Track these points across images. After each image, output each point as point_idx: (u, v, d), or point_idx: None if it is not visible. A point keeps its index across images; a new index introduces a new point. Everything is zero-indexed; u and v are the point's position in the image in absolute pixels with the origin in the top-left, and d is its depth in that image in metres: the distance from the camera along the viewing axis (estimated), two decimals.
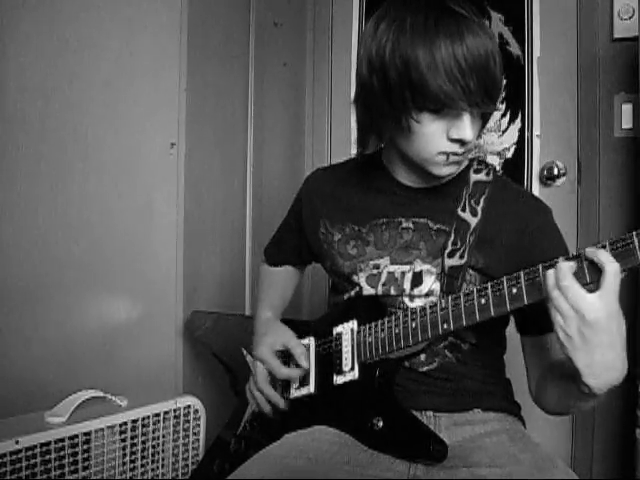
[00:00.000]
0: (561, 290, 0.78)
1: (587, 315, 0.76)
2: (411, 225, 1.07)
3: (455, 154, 0.96)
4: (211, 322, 1.39)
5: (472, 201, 1.05)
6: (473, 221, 1.03)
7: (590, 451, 1.84)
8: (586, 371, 0.79)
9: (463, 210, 1.05)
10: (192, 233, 1.53)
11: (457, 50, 0.88)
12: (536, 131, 1.93)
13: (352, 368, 1.04)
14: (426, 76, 0.88)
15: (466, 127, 0.93)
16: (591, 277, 0.79)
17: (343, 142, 2.19)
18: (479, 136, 1.02)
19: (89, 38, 1.52)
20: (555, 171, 1.89)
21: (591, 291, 0.77)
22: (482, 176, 1.08)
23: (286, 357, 1.14)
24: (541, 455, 0.95)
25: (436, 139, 0.95)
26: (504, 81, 0.95)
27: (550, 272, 0.79)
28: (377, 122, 1.00)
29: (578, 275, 0.79)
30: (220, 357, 1.33)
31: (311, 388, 1.10)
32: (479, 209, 1.04)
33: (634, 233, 0.76)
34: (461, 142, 0.94)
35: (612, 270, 0.76)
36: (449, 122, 0.93)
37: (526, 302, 0.85)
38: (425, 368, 1.06)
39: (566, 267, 0.78)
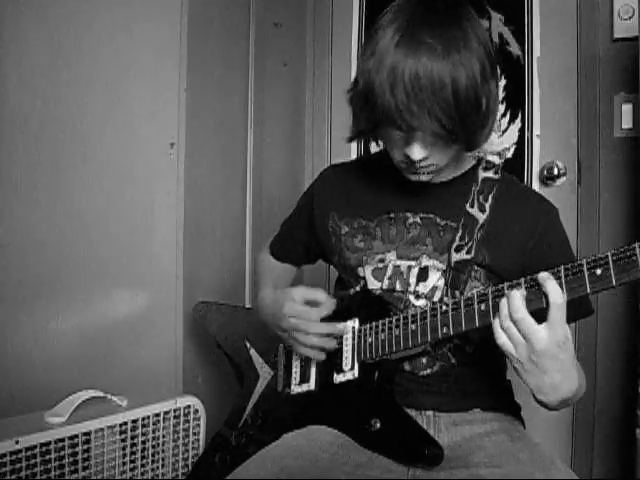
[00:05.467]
0: (514, 322, 0.81)
1: (536, 345, 0.80)
2: (418, 220, 1.08)
3: (414, 167, 0.98)
4: (217, 314, 1.39)
5: (480, 197, 1.06)
6: (481, 217, 1.04)
7: (590, 451, 1.84)
8: (536, 390, 0.85)
9: (471, 206, 1.06)
10: (192, 233, 1.53)
11: (404, 70, 0.88)
12: (536, 131, 1.93)
13: (352, 367, 1.04)
14: (373, 90, 0.91)
15: (413, 147, 0.94)
16: (545, 302, 0.81)
17: (343, 142, 2.18)
18: (464, 152, 1.02)
19: (89, 38, 1.52)
20: (555, 171, 1.89)
21: (543, 315, 0.80)
22: (490, 174, 1.09)
23: (289, 354, 1.15)
24: (540, 455, 0.95)
25: (395, 149, 0.98)
26: (481, 109, 0.93)
27: (503, 302, 0.82)
28: (357, 122, 1.03)
29: (531, 299, 0.82)
30: (224, 348, 1.34)
31: (311, 385, 1.10)
32: (487, 206, 1.05)
33: (636, 245, 0.75)
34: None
35: (556, 303, 0.79)
36: (404, 137, 0.95)
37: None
38: (426, 372, 1.06)
39: (518, 297, 0.81)
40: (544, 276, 0.80)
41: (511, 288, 0.84)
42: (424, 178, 1.01)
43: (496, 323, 0.83)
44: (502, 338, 0.83)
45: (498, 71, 0.99)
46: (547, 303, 0.80)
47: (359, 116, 1.00)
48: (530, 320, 0.80)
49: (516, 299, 0.81)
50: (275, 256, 1.32)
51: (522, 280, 0.84)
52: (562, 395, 0.85)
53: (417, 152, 0.94)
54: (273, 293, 1.16)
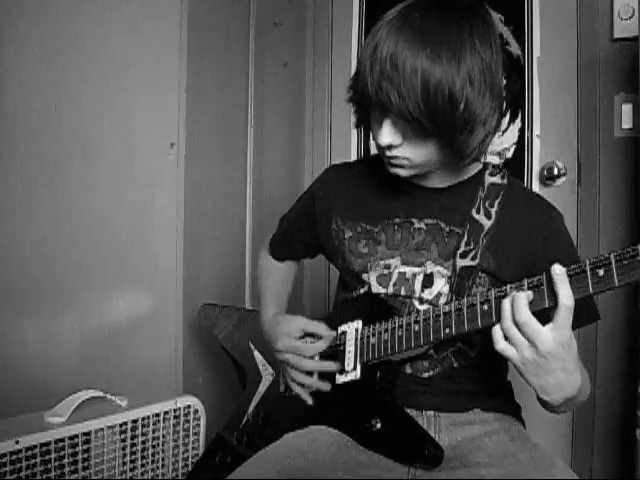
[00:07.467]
0: (518, 325, 0.80)
1: (541, 347, 0.80)
2: (423, 226, 1.06)
3: (386, 156, 0.98)
4: (222, 316, 1.39)
5: (486, 203, 1.05)
6: (487, 223, 1.03)
7: (590, 451, 1.84)
8: (540, 390, 0.84)
9: (477, 212, 1.05)
10: (192, 233, 1.53)
11: (383, 49, 0.88)
12: (536, 131, 1.93)
13: (354, 368, 1.04)
14: (359, 68, 0.92)
15: (383, 131, 0.94)
16: (549, 302, 0.81)
17: (343, 142, 2.19)
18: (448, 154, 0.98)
19: (89, 38, 1.52)
20: (555, 171, 1.89)
21: (547, 314, 0.80)
22: (497, 179, 1.08)
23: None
24: (540, 455, 0.96)
25: (375, 137, 0.98)
26: (456, 111, 0.89)
27: (506, 302, 0.82)
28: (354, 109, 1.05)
29: (536, 300, 0.81)
30: (228, 350, 1.34)
31: None
32: (493, 212, 1.04)
33: None
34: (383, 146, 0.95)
35: (566, 305, 0.78)
36: (379, 120, 0.95)
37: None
38: (427, 374, 1.06)
39: (522, 299, 0.80)
40: (559, 274, 0.79)
41: (513, 290, 0.84)
42: (401, 173, 1.00)
43: (497, 328, 0.83)
44: (501, 344, 0.82)
45: (502, 89, 0.97)
46: (556, 304, 0.79)
47: (354, 101, 1.01)
48: (534, 322, 0.80)
49: (520, 301, 0.80)
50: (275, 257, 1.32)
51: (525, 281, 0.83)
52: (566, 394, 0.85)
53: (385, 135, 0.93)
54: (272, 320, 1.16)
